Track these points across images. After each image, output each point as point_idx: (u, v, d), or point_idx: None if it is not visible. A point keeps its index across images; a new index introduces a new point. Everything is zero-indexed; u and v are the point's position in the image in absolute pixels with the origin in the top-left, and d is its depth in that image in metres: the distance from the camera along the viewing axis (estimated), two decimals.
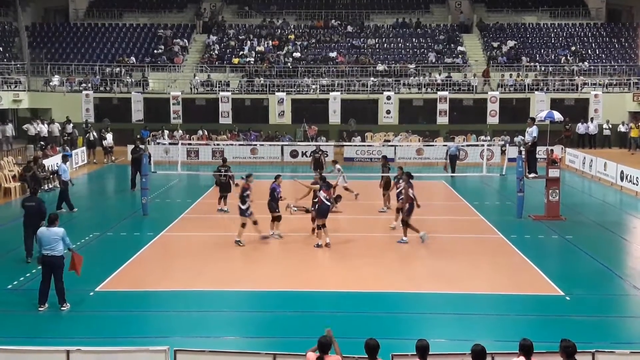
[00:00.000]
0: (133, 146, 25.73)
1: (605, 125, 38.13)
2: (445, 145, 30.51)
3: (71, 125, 36.51)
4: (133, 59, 42.79)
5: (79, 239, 17.36)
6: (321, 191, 16.85)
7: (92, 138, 34.51)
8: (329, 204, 16.76)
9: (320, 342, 7.61)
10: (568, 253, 16.83)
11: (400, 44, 44.89)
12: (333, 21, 47.08)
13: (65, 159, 22.40)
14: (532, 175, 20.85)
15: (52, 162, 27.33)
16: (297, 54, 42.96)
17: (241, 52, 43.24)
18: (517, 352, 7.71)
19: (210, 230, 19.07)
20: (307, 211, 19.47)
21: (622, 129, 38.13)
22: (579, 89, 39.67)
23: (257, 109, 40.17)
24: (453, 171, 28.69)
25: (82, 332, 11.12)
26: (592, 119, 38.50)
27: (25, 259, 15.33)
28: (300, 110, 39.21)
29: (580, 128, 38.11)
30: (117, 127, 36.50)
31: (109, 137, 33.72)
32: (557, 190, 20.24)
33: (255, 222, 17.05)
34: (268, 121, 39.44)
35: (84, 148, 33.86)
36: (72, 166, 28.27)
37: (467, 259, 15.81)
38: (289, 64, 41.93)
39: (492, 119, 38.98)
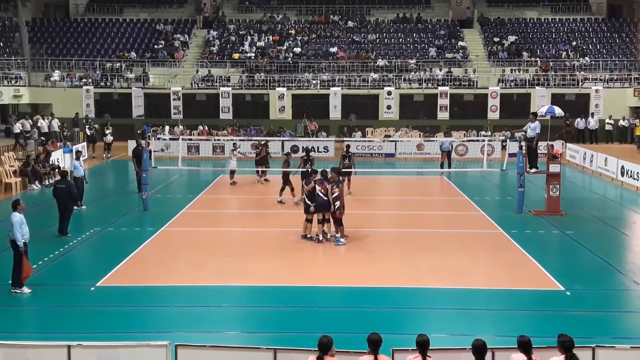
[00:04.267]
0: (135, 145, 25.12)
1: (608, 121, 38.10)
2: (437, 141, 30.60)
3: (41, 121, 35.68)
4: (133, 54, 42.77)
5: (80, 234, 17.41)
6: (317, 185, 16.77)
7: (88, 133, 34.54)
8: (325, 198, 16.66)
9: (321, 341, 7.59)
10: (568, 248, 16.82)
11: (400, 39, 44.85)
12: (333, 16, 47.02)
13: (78, 155, 22.33)
14: (533, 170, 20.84)
15: (53, 157, 27.34)
16: (297, 49, 42.91)
17: (241, 48, 43.20)
18: (516, 347, 7.72)
19: (211, 225, 19.09)
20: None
21: (622, 123, 38.15)
22: (580, 84, 39.64)
23: (258, 105, 40.21)
24: (449, 167, 28.67)
25: (83, 327, 11.11)
26: (592, 114, 38.45)
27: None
28: (300, 105, 39.22)
29: (580, 124, 38.08)
30: (117, 123, 36.53)
31: (109, 133, 33.70)
32: (558, 186, 20.23)
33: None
34: (269, 116, 39.44)
35: (85, 143, 33.84)
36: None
37: (468, 254, 15.81)
38: (290, 59, 41.89)
39: (493, 114, 38.98)
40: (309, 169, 19.25)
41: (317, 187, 16.64)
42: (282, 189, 21.73)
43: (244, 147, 28.96)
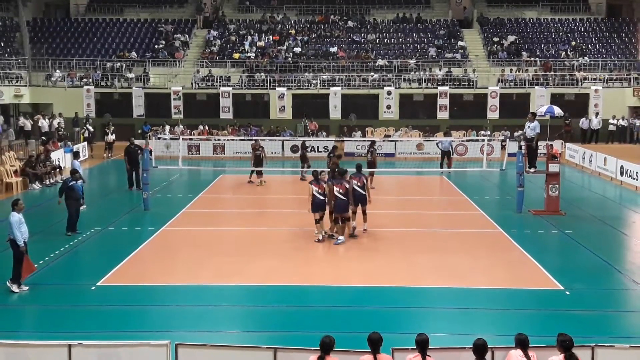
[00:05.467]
0: (128, 143, 25.00)
1: (611, 121, 38.10)
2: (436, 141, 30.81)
3: (42, 120, 35.45)
4: (134, 54, 42.78)
5: (81, 234, 17.43)
6: (312, 185, 16.82)
7: (87, 134, 34.55)
8: (322, 197, 16.71)
9: (323, 341, 7.63)
10: (568, 248, 16.85)
11: (400, 39, 44.86)
12: (333, 16, 47.04)
13: (77, 155, 22.33)
14: (532, 170, 20.87)
15: (54, 156, 27.36)
16: (297, 49, 42.93)
17: (242, 47, 43.23)
18: (514, 346, 7.78)
19: (211, 225, 19.13)
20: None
21: (622, 123, 38.17)
22: (579, 84, 39.65)
23: (258, 104, 40.22)
24: (449, 166, 28.66)
25: (83, 326, 11.14)
26: (597, 113, 38.41)
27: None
28: (300, 105, 39.22)
29: (585, 124, 38.06)
30: (118, 122, 36.56)
31: (110, 132, 33.72)
32: (557, 185, 20.26)
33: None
34: (269, 116, 39.45)
35: (85, 143, 33.86)
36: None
37: (467, 254, 15.84)
38: (290, 59, 41.91)
39: (492, 114, 38.99)
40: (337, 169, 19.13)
41: (314, 187, 16.71)
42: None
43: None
